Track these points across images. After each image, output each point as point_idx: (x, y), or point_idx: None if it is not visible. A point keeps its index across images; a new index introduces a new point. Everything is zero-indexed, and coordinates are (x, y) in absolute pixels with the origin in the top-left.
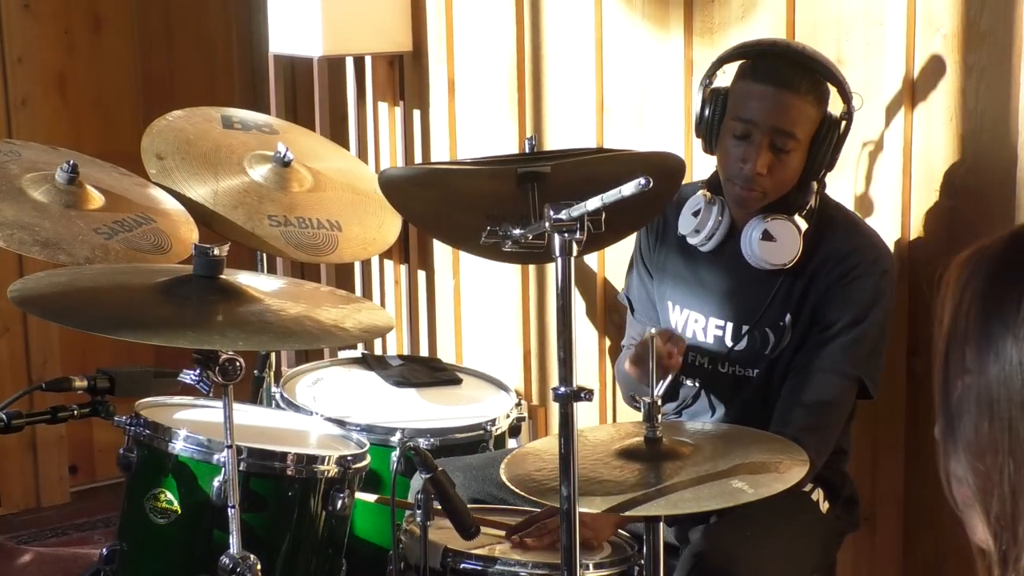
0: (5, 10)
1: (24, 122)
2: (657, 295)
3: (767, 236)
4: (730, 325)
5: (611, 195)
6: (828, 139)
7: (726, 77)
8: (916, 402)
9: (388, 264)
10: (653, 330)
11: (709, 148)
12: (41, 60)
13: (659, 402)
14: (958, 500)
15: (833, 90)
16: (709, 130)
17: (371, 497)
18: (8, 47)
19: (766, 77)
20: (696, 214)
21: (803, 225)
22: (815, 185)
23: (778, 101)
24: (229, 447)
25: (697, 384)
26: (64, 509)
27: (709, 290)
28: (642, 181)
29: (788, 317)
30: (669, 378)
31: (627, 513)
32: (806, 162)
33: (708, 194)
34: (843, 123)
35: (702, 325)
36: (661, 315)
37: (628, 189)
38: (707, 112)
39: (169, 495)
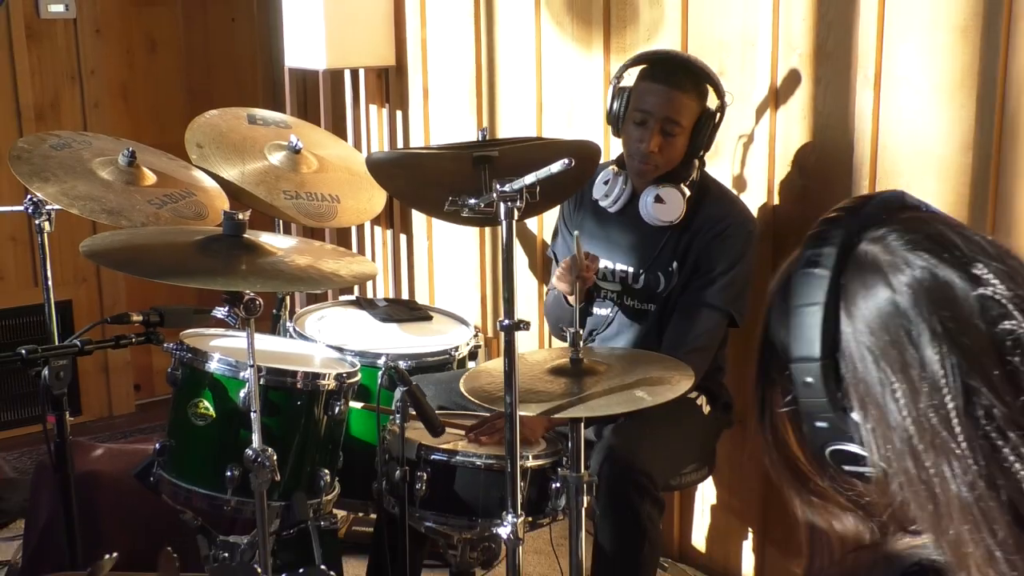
0: (81, 34)
1: (96, 120)
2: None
3: (659, 199)
4: (631, 269)
5: (543, 172)
6: (706, 126)
7: (630, 79)
8: None
9: (377, 229)
10: (576, 232)
11: (616, 132)
12: (108, 74)
13: (581, 332)
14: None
15: (711, 89)
16: (616, 119)
17: (359, 405)
18: (84, 63)
19: (660, 78)
20: (606, 183)
21: (687, 192)
22: (697, 163)
23: (668, 97)
24: (252, 366)
25: (610, 312)
26: (131, 417)
27: (615, 243)
28: (566, 161)
29: (675, 264)
30: (585, 291)
31: (555, 416)
32: (689, 144)
33: (616, 168)
34: (718, 114)
35: (611, 269)
36: None
37: (555, 167)
38: (615, 105)
39: (206, 403)
